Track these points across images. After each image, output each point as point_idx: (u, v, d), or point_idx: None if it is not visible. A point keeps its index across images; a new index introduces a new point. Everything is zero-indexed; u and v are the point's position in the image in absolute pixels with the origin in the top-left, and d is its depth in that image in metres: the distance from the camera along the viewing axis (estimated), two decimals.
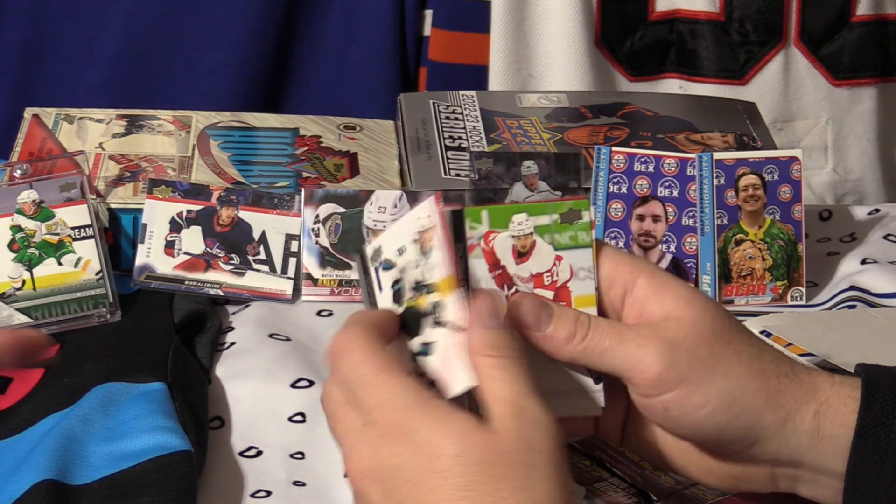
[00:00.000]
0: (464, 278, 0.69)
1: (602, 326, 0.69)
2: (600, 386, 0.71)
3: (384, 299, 0.70)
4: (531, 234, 0.69)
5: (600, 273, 0.70)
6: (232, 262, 1.09)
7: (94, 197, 1.09)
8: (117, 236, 1.10)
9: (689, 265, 1.10)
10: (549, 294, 0.70)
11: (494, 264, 0.69)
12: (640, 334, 0.68)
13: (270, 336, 1.04)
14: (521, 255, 0.69)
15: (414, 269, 0.68)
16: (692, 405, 0.69)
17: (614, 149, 1.11)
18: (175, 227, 1.09)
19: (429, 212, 0.68)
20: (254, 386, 0.97)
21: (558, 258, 0.69)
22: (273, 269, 1.09)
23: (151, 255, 1.08)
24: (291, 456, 0.92)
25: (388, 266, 0.69)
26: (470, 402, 0.67)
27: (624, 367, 0.69)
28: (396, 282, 0.69)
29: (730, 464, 0.72)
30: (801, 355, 0.95)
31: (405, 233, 0.68)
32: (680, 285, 0.70)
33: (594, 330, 0.69)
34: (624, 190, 1.11)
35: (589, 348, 0.68)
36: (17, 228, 1.04)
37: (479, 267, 0.69)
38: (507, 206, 0.69)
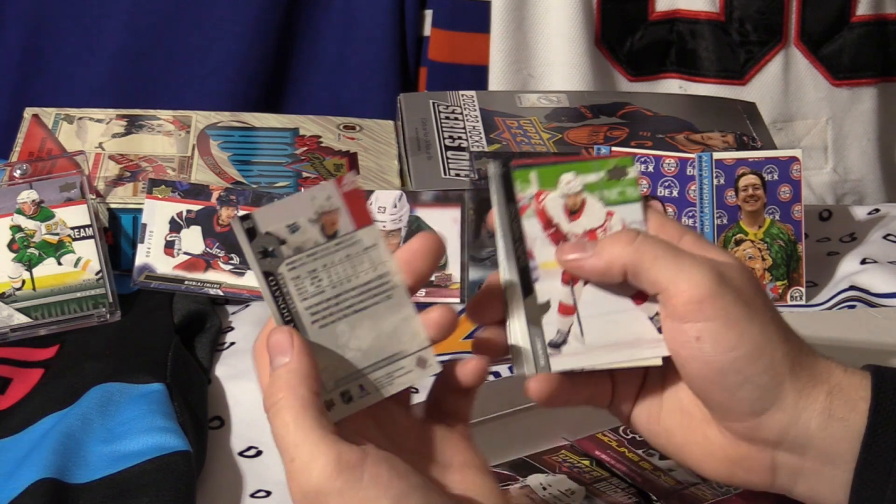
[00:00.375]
0: (518, 238, 0.71)
1: (657, 238, 0.70)
2: (661, 336, 0.71)
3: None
4: (581, 191, 0.71)
5: (648, 228, 0.71)
6: (232, 262, 1.09)
7: (94, 197, 1.09)
8: (117, 236, 1.10)
9: None
10: None
11: (547, 223, 0.71)
12: (694, 256, 0.69)
13: None
14: (573, 212, 0.71)
15: (323, 253, 0.68)
16: (725, 343, 0.68)
17: (614, 149, 1.11)
18: (175, 227, 1.09)
19: (329, 194, 0.68)
20: (254, 386, 0.97)
21: (609, 213, 0.71)
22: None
23: (151, 255, 1.08)
24: None
25: (279, 241, 0.68)
26: None
27: (670, 281, 0.69)
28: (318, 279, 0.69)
29: (733, 442, 0.71)
30: None
31: (298, 210, 0.68)
32: (722, 249, 0.71)
33: (648, 238, 0.70)
34: None
35: (642, 250, 0.69)
36: (16, 228, 1.04)
37: (532, 226, 0.70)
38: (554, 167, 0.70)
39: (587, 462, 0.87)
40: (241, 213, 0.69)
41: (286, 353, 0.66)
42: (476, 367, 0.70)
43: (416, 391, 0.72)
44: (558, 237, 0.71)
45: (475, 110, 1.22)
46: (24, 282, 1.03)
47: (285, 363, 0.66)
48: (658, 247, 0.69)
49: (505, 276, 0.71)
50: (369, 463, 0.64)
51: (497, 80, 1.46)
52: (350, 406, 0.68)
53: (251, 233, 0.67)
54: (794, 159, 1.11)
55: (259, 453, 0.92)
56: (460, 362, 0.70)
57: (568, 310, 0.71)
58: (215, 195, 1.11)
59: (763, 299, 0.70)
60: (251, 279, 1.08)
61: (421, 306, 0.69)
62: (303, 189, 0.72)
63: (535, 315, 0.70)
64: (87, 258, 1.04)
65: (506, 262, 0.71)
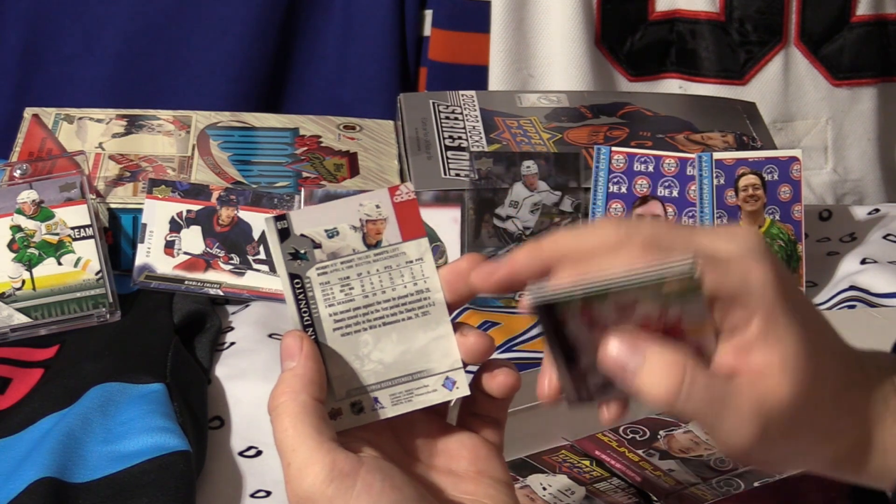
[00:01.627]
0: (556, 338, 0.65)
1: (699, 388, 0.63)
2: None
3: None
4: (633, 300, 0.63)
5: (716, 308, 0.64)
6: (232, 262, 1.09)
7: (94, 197, 1.09)
8: (117, 236, 1.10)
9: None
10: (658, 332, 0.65)
11: (591, 326, 0.64)
12: (741, 410, 0.64)
13: (270, 336, 1.04)
14: (625, 311, 0.63)
15: (360, 261, 0.67)
16: (780, 461, 0.67)
17: (614, 149, 1.11)
18: (175, 227, 1.09)
19: (380, 202, 0.68)
20: (254, 386, 0.97)
21: (664, 308, 0.63)
22: (273, 269, 1.09)
23: (151, 255, 1.08)
24: None
25: (313, 245, 0.67)
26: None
27: (714, 434, 0.65)
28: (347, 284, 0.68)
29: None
30: None
31: (341, 216, 0.68)
32: (795, 333, 0.64)
33: (692, 395, 0.63)
34: (624, 190, 1.11)
35: (682, 410, 0.64)
36: (17, 228, 1.04)
37: (574, 330, 0.64)
38: (602, 290, 0.62)
39: (587, 462, 0.87)
40: (272, 214, 0.68)
41: (294, 357, 0.66)
42: (504, 382, 0.69)
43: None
44: (605, 331, 0.63)
45: (475, 110, 1.22)
46: (24, 282, 1.03)
47: (291, 367, 0.66)
48: (700, 402, 0.63)
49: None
50: (363, 472, 0.64)
51: (497, 80, 1.46)
52: (360, 417, 0.67)
53: (284, 233, 0.67)
54: (794, 159, 1.11)
55: (259, 453, 0.92)
56: (487, 374, 0.69)
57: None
58: (215, 195, 1.11)
59: (833, 395, 0.66)
60: (251, 279, 1.08)
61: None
62: (350, 195, 0.71)
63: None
64: (87, 258, 1.04)
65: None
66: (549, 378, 0.66)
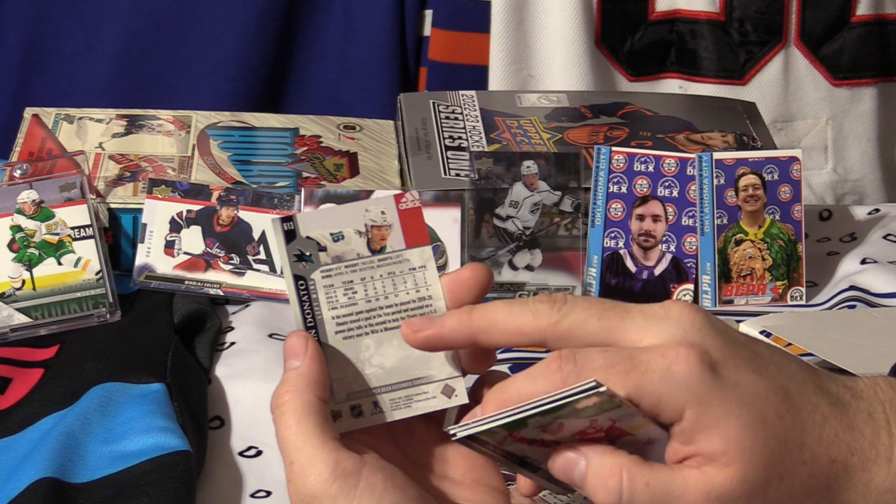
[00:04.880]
0: (506, 459, 0.66)
1: (640, 488, 0.63)
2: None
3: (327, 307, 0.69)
4: (554, 421, 0.63)
5: (645, 409, 0.63)
6: (232, 262, 1.09)
7: (94, 197, 1.09)
8: (117, 236, 1.10)
9: (689, 265, 1.10)
10: (600, 438, 0.65)
11: (531, 442, 0.64)
12: (687, 499, 0.63)
13: (270, 336, 1.04)
14: (553, 429, 0.64)
15: (364, 266, 0.68)
16: None
17: (614, 149, 1.11)
18: (175, 226, 1.09)
19: (385, 208, 0.68)
20: (254, 386, 0.97)
21: (593, 419, 0.63)
22: (273, 269, 1.09)
23: (151, 255, 1.08)
24: None
25: (319, 248, 0.68)
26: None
27: None
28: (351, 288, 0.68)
29: None
30: (802, 355, 0.95)
31: (347, 220, 0.68)
32: (732, 413, 0.63)
33: (635, 497, 0.63)
34: (624, 190, 1.11)
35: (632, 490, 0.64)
36: (17, 228, 1.04)
37: (517, 449, 0.65)
38: (518, 419, 0.62)
39: None
40: (280, 215, 0.68)
41: (299, 356, 0.66)
42: None
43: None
44: (546, 445, 0.64)
45: (475, 110, 1.22)
46: (24, 282, 1.03)
47: (296, 367, 0.66)
48: (646, 490, 0.63)
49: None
50: (366, 471, 0.64)
51: (497, 80, 1.46)
52: (359, 421, 0.68)
53: (290, 235, 0.67)
54: (794, 159, 1.11)
55: (259, 453, 0.92)
56: (487, 384, 0.69)
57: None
58: (215, 195, 1.11)
59: (778, 475, 0.64)
60: (251, 279, 1.08)
61: None
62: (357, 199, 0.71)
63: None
64: (87, 258, 1.04)
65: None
66: (522, 480, 0.68)
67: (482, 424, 0.62)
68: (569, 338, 0.65)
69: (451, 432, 0.63)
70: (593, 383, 0.60)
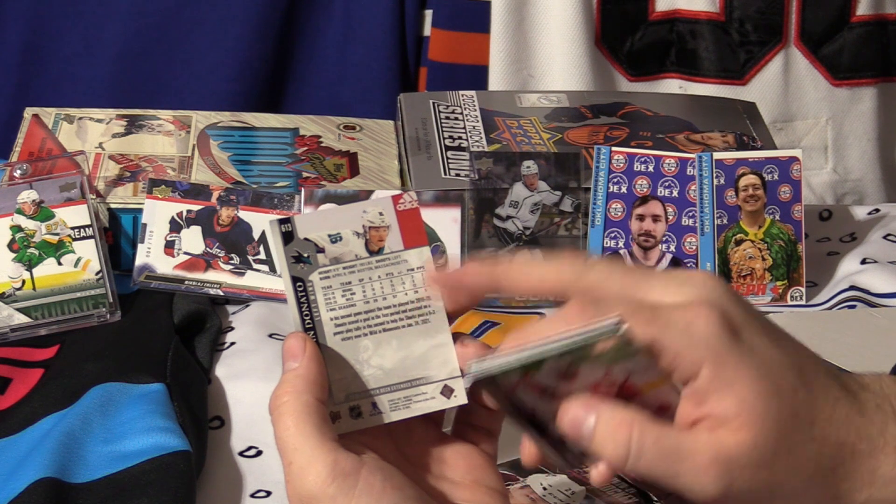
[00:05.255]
0: (516, 411, 0.65)
1: (649, 444, 0.62)
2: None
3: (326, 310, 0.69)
4: (571, 366, 0.62)
5: (662, 362, 0.63)
6: (232, 262, 1.09)
7: (94, 197, 1.09)
8: (117, 236, 1.10)
9: (689, 265, 1.10)
10: (612, 393, 0.64)
11: (542, 392, 0.64)
12: (696, 460, 0.62)
13: (270, 336, 1.04)
14: (568, 376, 0.63)
15: (362, 267, 0.68)
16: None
17: (614, 149, 1.11)
18: (175, 227, 1.09)
19: (383, 209, 0.68)
20: (254, 386, 0.97)
21: (608, 369, 0.62)
22: (273, 270, 1.09)
23: (151, 255, 1.08)
24: None
25: (317, 249, 0.68)
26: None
27: (678, 489, 0.64)
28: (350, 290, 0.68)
29: None
30: None
31: (345, 222, 0.68)
32: (749, 376, 0.62)
33: (643, 453, 0.63)
34: (624, 190, 1.11)
35: (636, 468, 0.63)
36: (17, 228, 1.04)
37: (528, 399, 0.64)
38: (534, 359, 0.61)
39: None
40: (279, 216, 0.68)
41: (297, 357, 0.66)
42: None
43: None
44: (558, 396, 0.64)
45: (475, 110, 1.22)
46: (24, 282, 1.03)
47: (294, 368, 0.66)
48: (655, 463, 0.62)
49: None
50: (364, 472, 0.64)
51: (497, 80, 1.46)
52: (358, 422, 0.68)
53: (288, 236, 0.67)
54: (794, 159, 1.11)
55: (259, 453, 0.92)
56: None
57: None
58: (215, 195, 1.11)
59: (787, 444, 0.63)
60: (251, 279, 1.08)
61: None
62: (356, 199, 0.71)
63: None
64: (87, 258, 1.04)
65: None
66: (527, 447, 0.67)
67: (499, 359, 0.62)
68: (591, 292, 0.65)
69: (469, 375, 0.62)
70: (616, 319, 0.60)
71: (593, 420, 0.63)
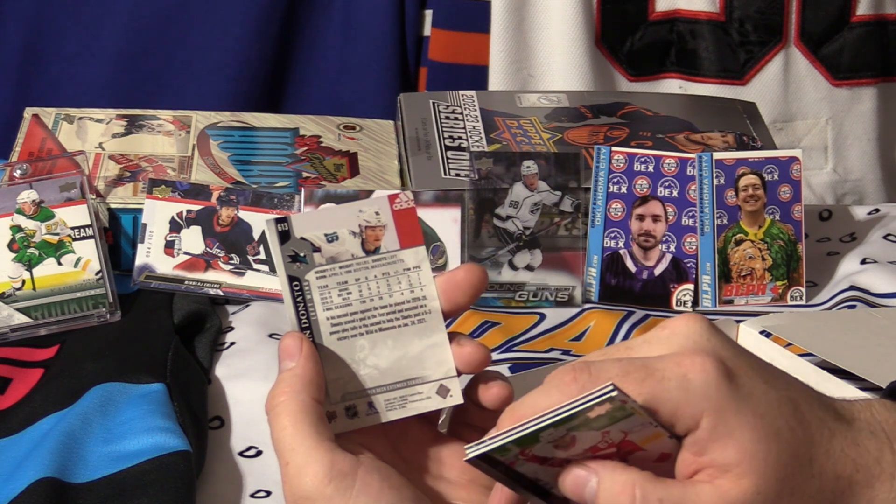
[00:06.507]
0: (518, 483, 0.65)
1: (654, 500, 0.62)
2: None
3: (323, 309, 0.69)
4: (566, 434, 0.62)
5: (661, 417, 0.62)
6: (232, 262, 1.09)
7: (94, 197, 1.09)
8: (117, 236, 1.10)
9: (688, 265, 1.10)
10: (611, 454, 0.64)
11: (542, 461, 0.63)
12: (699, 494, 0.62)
13: (270, 336, 1.04)
14: (566, 444, 0.63)
15: (358, 267, 0.68)
16: None
17: (614, 149, 1.11)
18: (175, 227, 1.09)
19: (379, 209, 0.68)
20: (254, 386, 0.97)
21: (605, 432, 0.62)
22: (273, 269, 1.09)
23: (151, 255, 1.08)
24: None
25: (313, 248, 0.68)
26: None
27: None
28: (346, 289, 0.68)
29: None
30: (801, 355, 0.95)
31: (341, 221, 0.68)
32: (748, 423, 0.62)
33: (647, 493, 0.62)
34: (624, 190, 1.11)
35: None
36: (17, 228, 1.04)
37: (528, 469, 0.63)
38: (530, 433, 0.61)
39: None
40: (275, 216, 0.68)
41: (294, 357, 0.66)
42: (498, 395, 0.69)
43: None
44: (558, 464, 0.63)
45: (475, 110, 1.22)
46: (24, 282, 1.03)
47: (290, 368, 0.66)
48: (660, 497, 0.62)
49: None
50: (361, 472, 0.64)
51: (497, 80, 1.46)
52: (354, 421, 0.68)
53: (284, 236, 0.67)
54: (794, 159, 1.11)
55: (259, 453, 0.92)
56: (482, 385, 0.69)
57: None
58: (215, 195, 1.11)
59: (790, 487, 0.63)
60: (251, 279, 1.08)
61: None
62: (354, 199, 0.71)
63: None
64: (87, 258, 1.04)
65: None
66: None
67: (495, 442, 0.62)
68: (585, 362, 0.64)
69: (465, 454, 0.62)
70: (610, 387, 0.60)
71: (595, 483, 0.63)
